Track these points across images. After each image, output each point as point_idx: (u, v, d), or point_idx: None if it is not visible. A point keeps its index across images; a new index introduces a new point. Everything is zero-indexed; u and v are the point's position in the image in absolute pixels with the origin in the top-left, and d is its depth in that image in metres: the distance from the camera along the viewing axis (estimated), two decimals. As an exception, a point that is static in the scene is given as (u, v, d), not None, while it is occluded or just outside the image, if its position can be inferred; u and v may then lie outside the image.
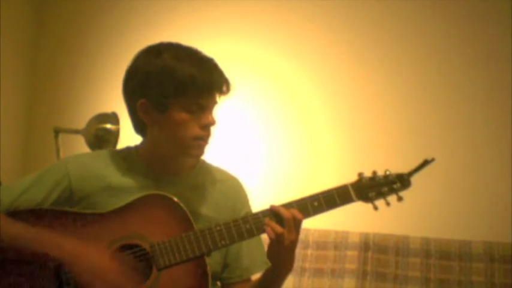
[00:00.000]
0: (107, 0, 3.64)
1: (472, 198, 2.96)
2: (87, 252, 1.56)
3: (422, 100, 3.11)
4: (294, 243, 1.60)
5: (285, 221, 1.58)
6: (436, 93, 3.09)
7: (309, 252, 2.85)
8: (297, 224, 1.60)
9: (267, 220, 1.60)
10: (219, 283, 1.79)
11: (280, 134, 3.28)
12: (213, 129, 1.69)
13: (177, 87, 1.62)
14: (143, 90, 1.65)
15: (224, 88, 1.67)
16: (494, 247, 2.75)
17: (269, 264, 1.69)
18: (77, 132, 2.90)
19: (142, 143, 1.76)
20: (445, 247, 2.80)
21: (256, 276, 1.79)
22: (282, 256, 1.62)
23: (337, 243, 2.88)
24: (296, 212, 1.60)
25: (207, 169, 1.80)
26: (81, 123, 2.88)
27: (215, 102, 1.68)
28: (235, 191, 1.81)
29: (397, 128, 3.12)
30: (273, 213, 1.61)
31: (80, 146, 2.83)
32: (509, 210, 2.86)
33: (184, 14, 3.46)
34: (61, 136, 2.97)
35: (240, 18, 3.39)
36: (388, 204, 1.62)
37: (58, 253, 1.56)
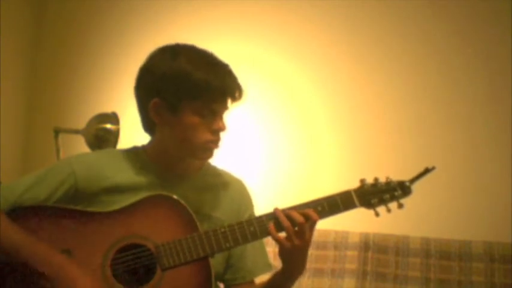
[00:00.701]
0: (107, 0, 3.64)
1: (472, 198, 2.96)
2: (73, 276, 1.55)
3: (422, 100, 3.11)
4: (300, 248, 1.61)
5: (284, 228, 1.60)
6: (436, 93, 3.09)
7: (309, 252, 2.83)
8: (301, 229, 1.60)
9: (270, 225, 1.61)
10: (221, 286, 1.79)
11: (280, 134, 3.28)
12: (222, 134, 1.70)
13: (191, 91, 1.63)
14: (157, 90, 1.66)
15: (237, 94, 1.68)
16: (494, 247, 2.75)
17: (272, 267, 1.71)
18: (77, 132, 2.90)
19: (150, 143, 1.77)
20: (445, 247, 2.80)
21: (260, 279, 1.79)
22: (292, 259, 1.64)
23: (337, 243, 2.88)
24: (297, 216, 1.60)
25: (213, 171, 1.82)
26: (81, 123, 2.88)
27: (226, 108, 1.70)
28: (240, 194, 1.83)
29: (397, 128, 3.12)
30: (286, 216, 1.61)
31: (80, 146, 2.83)
32: (509, 210, 2.86)
33: (184, 14, 3.46)
34: (61, 136, 2.97)
35: (240, 18, 3.39)
36: (389, 211, 1.65)
37: (47, 270, 1.55)
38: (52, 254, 1.57)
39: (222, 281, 1.78)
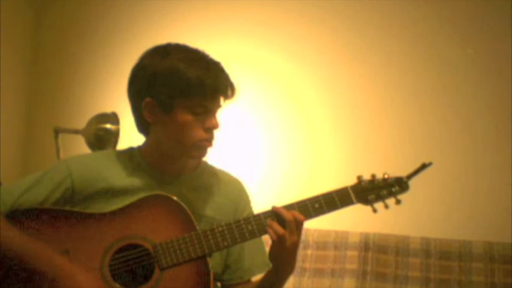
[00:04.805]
0: (106, 0, 3.64)
1: (472, 198, 2.96)
2: (73, 275, 1.56)
3: (422, 100, 3.11)
4: (295, 245, 1.62)
5: (286, 222, 1.59)
6: (436, 93, 3.09)
7: (309, 252, 2.85)
8: (299, 226, 1.61)
9: (269, 221, 1.61)
10: (219, 284, 1.79)
11: (280, 134, 3.28)
12: (216, 132, 1.70)
13: (183, 88, 1.63)
14: (149, 89, 1.66)
15: (229, 92, 1.68)
16: (494, 247, 2.75)
17: (270, 266, 1.69)
18: (77, 132, 2.90)
19: (144, 143, 1.77)
20: (445, 247, 2.80)
21: (256, 278, 1.79)
22: (284, 257, 1.64)
23: (337, 243, 2.88)
24: (297, 214, 1.61)
25: (209, 171, 1.82)
26: (81, 123, 2.88)
27: (219, 106, 1.70)
28: (237, 193, 1.83)
29: (397, 128, 3.12)
30: (274, 214, 1.62)
31: (80, 146, 2.83)
32: (509, 210, 2.86)
33: (184, 14, 3.46)
34: (61, 136, 2.96)
35: (240, 18, 3.39)
36: (386, 207, 1.65)
37: (47, 270, 1.55)
38: (52, 254, 1.57)
39: (220, 280, 1.78)
